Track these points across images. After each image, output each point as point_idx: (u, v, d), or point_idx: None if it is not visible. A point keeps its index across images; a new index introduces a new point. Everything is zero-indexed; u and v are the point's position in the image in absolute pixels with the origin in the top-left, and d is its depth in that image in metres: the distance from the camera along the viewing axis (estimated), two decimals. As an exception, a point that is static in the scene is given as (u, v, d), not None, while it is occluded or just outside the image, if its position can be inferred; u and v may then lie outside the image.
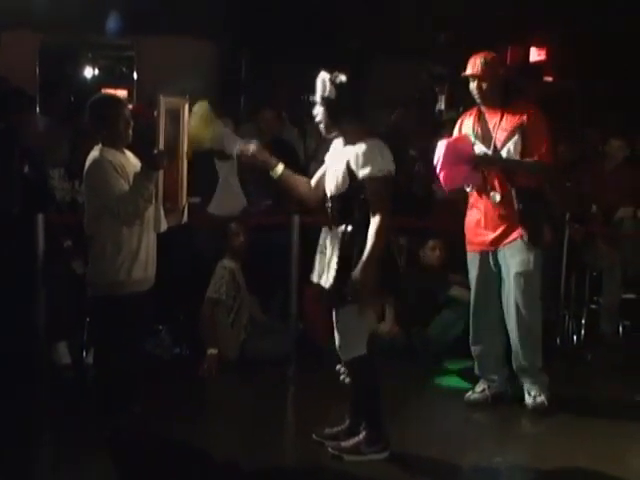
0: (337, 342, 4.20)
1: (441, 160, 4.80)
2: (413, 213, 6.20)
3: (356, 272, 3.91)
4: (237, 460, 4.25)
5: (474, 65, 4.86)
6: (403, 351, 5.91)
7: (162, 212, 4.17)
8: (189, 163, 4.32)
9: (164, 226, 4.21)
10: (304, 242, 5.69)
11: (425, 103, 9.86)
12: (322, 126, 4.14)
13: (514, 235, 4.85)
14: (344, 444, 4.21)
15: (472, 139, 4.89)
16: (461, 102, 8.08)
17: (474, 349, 5.12)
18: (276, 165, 4.23)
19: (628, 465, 4.38)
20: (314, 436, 4.35)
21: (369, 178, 3.95)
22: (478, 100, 4.91)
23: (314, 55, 8.90)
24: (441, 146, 4.83)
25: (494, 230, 4.90)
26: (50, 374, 5.38)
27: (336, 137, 4.20)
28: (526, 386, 5.02)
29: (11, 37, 8.47)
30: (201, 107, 5.42)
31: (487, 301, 5.02)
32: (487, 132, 4.88)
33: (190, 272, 5.91)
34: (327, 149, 4.34)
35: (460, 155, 4.81)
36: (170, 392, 5.08)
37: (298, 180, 4.33)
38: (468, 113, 5.05)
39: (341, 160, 4.07)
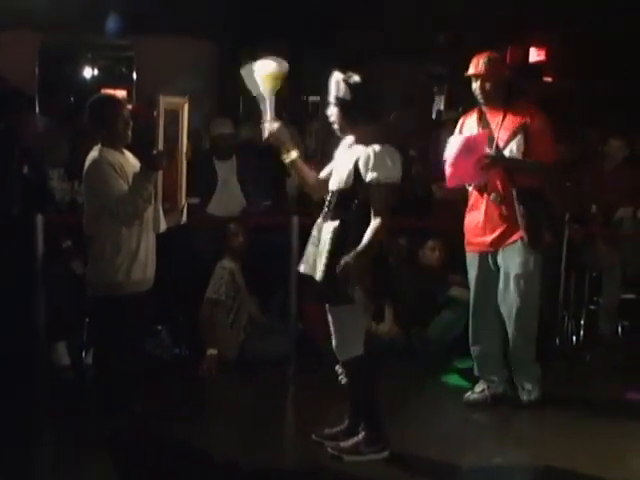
0: (334, 343, 4.20)
1: (454, 155, 4.76)
2: (413, 213, 6.20)
3: (348, 257, 3.89)
4: (237, 460, 4.25)
5: (477, 65, 4.85)
6: (403, 351, 5.91)
7: (161, 212, 4.16)
8: (188, 163, 4.32)
9: (163, 226, 4.21)
10: (303, 242, 5.68)
11: (423, 103, 9.87)
12: (336, 127, 4.13)
13: (514, 236, 4.85)
14: (343, 444, 4.21)
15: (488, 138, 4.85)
16: (461, 102, 8.09)
17: (474, 349, 5.12)
18: (291, 150, 4.21)
19: (628, 465, 4.38)
20: (314, 436, 4.35)
21: (376, 184, 3.94)
22: (481, 100, 4.91)
23: (314, 55, 8.93)
24: (456, 141, 4.80)
25: (494, 231, 4.89)
26: (50, 374, 5.38)
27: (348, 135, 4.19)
28: (520, 380, 5.05)
29: (11, 37, 8.48)
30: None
31: (487, 302, 5.02)
32: (489, 132, 4.88)
33: (189, 272, 5.91)
34: (336, 146, 4.33)
35: (473, 152, 4.76)
36: (170, 392, 5.08)
37: (307, 171, 4.30)
38: (469, 114, 5.04)
39: (350, 158, 4.06)
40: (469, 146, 4.75)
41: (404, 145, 6.39)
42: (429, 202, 6.63)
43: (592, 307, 6.76)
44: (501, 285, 4.95)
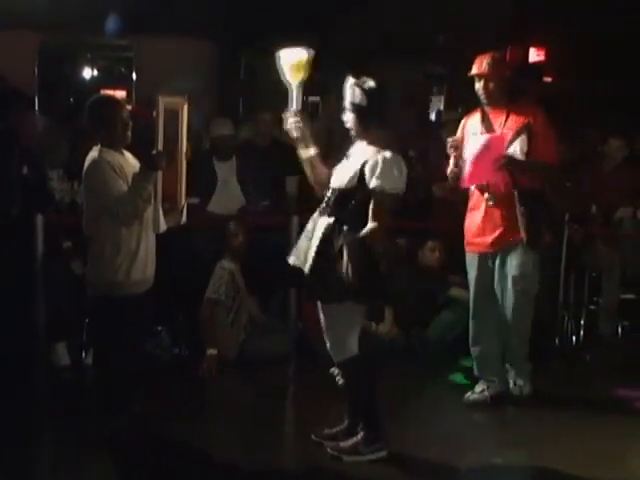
0: (328, 344, 4.19)
1: (475, 154, 4.74)
2: (413, 214, 6.19)
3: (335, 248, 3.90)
4: (237, 460, 4.25)
5: (481, 65, 4.85)
6: (403, 352, 5.91)
7: (161, 212, 4.16)
8: (188, 163, 4.32)
9: (163, 227, 4.21)
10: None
11: (421, 103, 9.87)
12: (353, 133, 4.13)
13: (514, 237, 4.84)
14: (342, 444, 4.21)
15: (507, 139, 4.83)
16: (461, 102, 8.09)
17: (473, 350, 5.13)
18: (310, 147, 4.22)
19: (628, 465, 4.38)
20: (313, 436, 4.35)
21: (380, 192, 3.94)
22: (484, 100, 4.90)
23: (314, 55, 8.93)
24: (478, 141, 4.78)
25: (494, 232, 4.89)
26: (50, 374, 5.38)
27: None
28: (513, 376, 5.09)
29: (11, 37, 8.47)
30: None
31: (486, 302, 5.02)
32: (492, 132, 4.86)
33: (189, 272, 5.91)
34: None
35: (492, 152, 4.74)
36: (170, 392, 5.08)
37: (322, 168, 4.29)
38: (471, 114, 5.03)
39: (358, 159, 4.06)
40: (489, 146, 4.74)
41: (404, 145, 6.40)
42: (429, 203, 6.63)
43: (592, 307, 6.76)
44: (500, 285, 4.95)
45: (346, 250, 3.93)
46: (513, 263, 4.88)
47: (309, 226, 4.16)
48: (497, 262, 4.94)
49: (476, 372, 5.17)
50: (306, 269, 4.05)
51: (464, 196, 5.10)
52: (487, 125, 4.89)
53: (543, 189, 4.96)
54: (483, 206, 4.91)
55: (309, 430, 4.40)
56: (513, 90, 4.99)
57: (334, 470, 4.12)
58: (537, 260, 4.92)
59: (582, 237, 6.62)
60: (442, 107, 11.41)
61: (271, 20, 8.80)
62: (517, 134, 4.78)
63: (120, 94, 8.86)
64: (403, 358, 5.82)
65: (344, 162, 4.20)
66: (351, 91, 4.05)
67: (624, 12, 9.46)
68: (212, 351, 5.53)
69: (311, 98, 9.92)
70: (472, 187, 4.95)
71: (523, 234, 4.80)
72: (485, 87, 4.85)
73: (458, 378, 5.46)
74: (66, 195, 5.81)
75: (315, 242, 4.03)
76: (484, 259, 4.98)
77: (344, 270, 3.92)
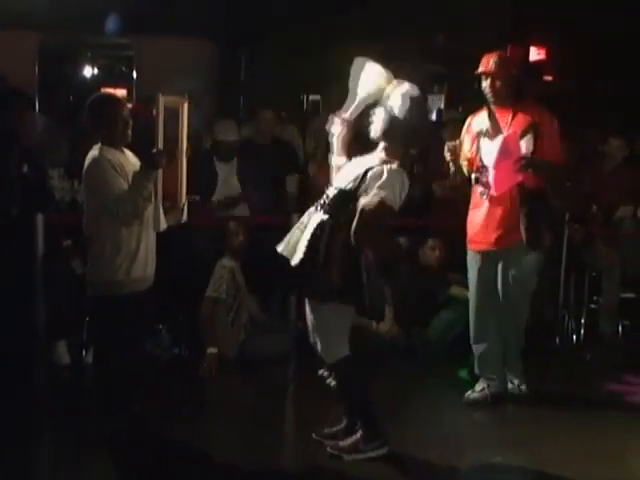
0: (319, 346, 4.16)
1: (495, 159, 4.69)
2: (413, 213, 6.19)
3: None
4: (237, 460, 4.24)
5: (487, 63, 4.84)
6: (403, 351, 5.91)
7: (161, 211, 4.16)
8: (188, 162, 4.32)
9: (163, 225, 4.21)
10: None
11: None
12: (374, 133, 4.07)
13: (515, 236, 4.84)
14: (342, 443, 4.21)
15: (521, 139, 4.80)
16: (461, 102, 8.09)
17: (475, 347, 5.12)
18: (343, 156, 4.22)
19: (628, 465, 4.38)
20: (314, 435, 4.35)
21: (376, 194, 3.91)
22: (490, 99, 4.89)
23: (314, 54, 8.93)
24: (494, 144, 4.73)
25: (495, 230, 4.89)
26: (50, 373, 5.37)
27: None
28: (509, 376, 5.11)
29: (11, 37, 8.47)
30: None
31: (488, 300, 5.01)
32: (498, 131, 4.86)
33: (189, 271, 5.91)
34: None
35: (510, 154, 4.70)
36: (170, 392, 5.07)
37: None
38: (477, 112, 5.02)
39: (365, 162, 4.04)
40: (507, 148, 4.70)
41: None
42: (429, 201, 6.63)
43: (592, 306, 6.76)
44: (501, 283, 4.95)
45: (331, 248, 3.92)
46: (515, 262, 4.88)
47: (304, 219, 4.14)
48: (499, 260, 4.94)
49: (476, 370, 5.17)
50: (293, 260, 4.03)
51: (464, 195, 5.10)
52: (493, 124, 4.87)
53: (544, 189, 4.96)
54: (485, 204, 4.90)
55: (309, 430, 4.40)
56: (521, 89, 4.98)
57: (334, 470, 4.11)
58: (538, 259, 4.92)
59: (582, 237, 6.63)
60: (442, 106, 11.41)
61: (271, 20, 8.81)
62: (523, 133, 4.77)
63: (121, 93, 8.86)
64: (403, 357, 5.82)
65: (351, 162, 4.18)
66: (401, 98, 3.97)
67: (624, 12, 9.46)
68: (212, 350, 5.52)
69: (312, 97, 9.94)
70: (479, 186, 4.92)
71: (524, 233, 4.80)
72: (492, 86, 4.84)
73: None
74: (66, 194, 5.82)
75: (307, 236, 4.01)
76: (486, 257, 4.97)
77: (328, 268, 3.92)
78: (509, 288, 4.92)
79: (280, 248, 4.16)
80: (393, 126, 4.02)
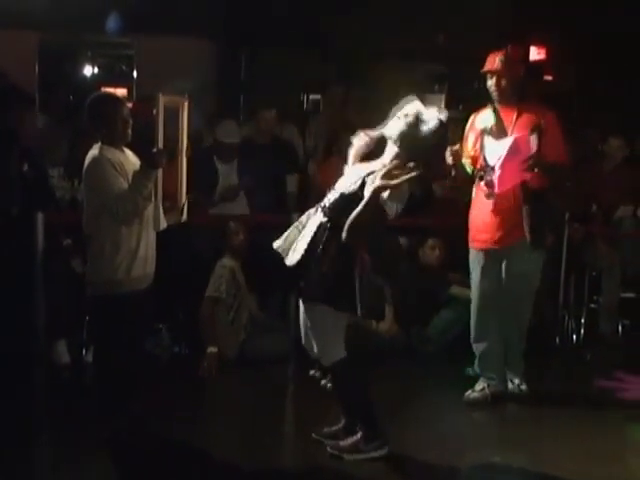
0: (315, 348, 4.14)
1: (503, 158, 4.67)
2: (413, 212, 6.19)
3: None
4: (237, 460, 4.24)
5: (493, 61, 4.84)
6: (403, 351, 5.91)
7: (161, 210, 4.16)
8: (188, 162, 4.32)
9: (163, 224, 4.21)
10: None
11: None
12: (389, 131, 4.01)
13: (518, 235, 4.83)
14: (342, 443, 4.20)
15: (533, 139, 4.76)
16: (461, 101, 8.08)
17: (477, 346, 5.12)
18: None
19: (628, 465, 4.39)
20: (313, 435, 4.34)
21: (377, 191, 3.89)
22: (495, 97, 4.89)
23: (314, 54, 8.93)
24: (504, 144, 4.71)
25: (498, 229, 4.89)
26: (50, 373, 5.37)
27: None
28: (510, 375, 5.12)
29: (11, 37, 8.47)
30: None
31: (490, 299, 5.01)
32: (502, 129, 4.85)
33: (189, 271, 5.91)
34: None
35: (518, 154, 4.68)
36: (170, 392, 5.07)
37: None
38: (480, 110, 5.01)
39: (366, 167, 4.02)
40: (517, 148, 4.69)
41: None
42: (429, 201, 6.63)
43: (592, 306, 6.77)
44: (504, 282, 4.94)
45: (328, 251, 3.92)
46: (518, 260, 4.88)
47: (303, 218, 4.13)
48: (502, 258, 4.93)
49: (477, 369, 5.17)
50: (288, 260, 4.03)
51: (464, 194, 5.09)
52: (498, 123, 4.86)
53: (545, 189, 4.96)
54: (488, 203, 4.89)
55: (309, 429, 4.39)
56: (526, 89, 4.98)
57: (334, 470, 4.11)
58: (541, 258, 4.93)
59: (582, 236, 6.63)
60: (443, 106, 11.40)
61: (271, 20, 8.79)
62: (529, 132, 4.76)
63: (121, 92, 8.85)
64: (403, 357, 5.82)
65: (355, 167, 4.15)
66: (432, 120, 3.91)
67: (624, 12, 9.44)
68: (212, 349, 5.52)
69: (312, 96, 9.93)
70: (482, 184, 4.91)
71: (527, 234, 4.79)
72: (497, 84, 4.84)
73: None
74: (66, 193, 5.82)
75: (306, 238, 4.00)
76: (488, 255, 4.96)
77: (324, 271, 3.91)
78: (513, 286, 4.92)
79: (276, 244, 4.15)
80: (413, 135, 3.93)
